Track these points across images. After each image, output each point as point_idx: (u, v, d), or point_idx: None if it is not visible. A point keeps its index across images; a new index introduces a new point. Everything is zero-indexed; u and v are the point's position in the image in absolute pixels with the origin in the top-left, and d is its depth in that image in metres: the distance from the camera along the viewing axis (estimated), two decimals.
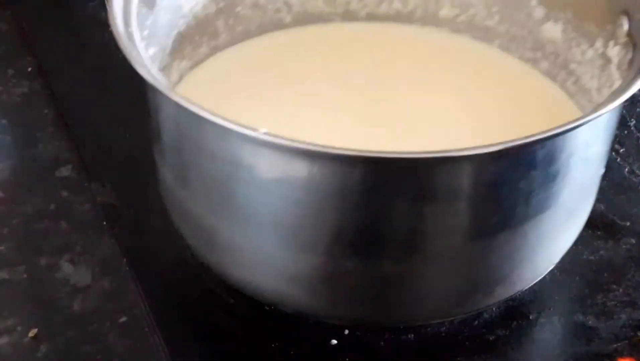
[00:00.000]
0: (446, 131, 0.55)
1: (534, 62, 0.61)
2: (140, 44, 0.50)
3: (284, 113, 0.56)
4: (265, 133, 0.44)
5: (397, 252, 0.48)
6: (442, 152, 0.43)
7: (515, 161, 0.46)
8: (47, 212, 0.62)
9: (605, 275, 0.58)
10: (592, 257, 0.59)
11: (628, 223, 0.61)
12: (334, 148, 0.43)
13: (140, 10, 0.53)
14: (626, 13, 0.54)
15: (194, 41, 0.60)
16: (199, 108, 0.45)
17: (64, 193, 0.63)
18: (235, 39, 0.63)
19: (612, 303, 0.56)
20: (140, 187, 0.62)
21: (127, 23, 0.51)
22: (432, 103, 0.58)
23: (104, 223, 0.61)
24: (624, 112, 0.67)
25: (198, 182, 0.50)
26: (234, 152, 0.46)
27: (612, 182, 0.64)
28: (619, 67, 0.54)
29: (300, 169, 0.45)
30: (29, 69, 0.73)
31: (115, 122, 0.67)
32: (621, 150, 0.66)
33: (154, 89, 0.47)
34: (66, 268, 0.58)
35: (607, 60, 0.55)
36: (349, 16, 0.64)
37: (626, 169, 0.65)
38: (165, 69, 0.58)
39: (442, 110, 0.57)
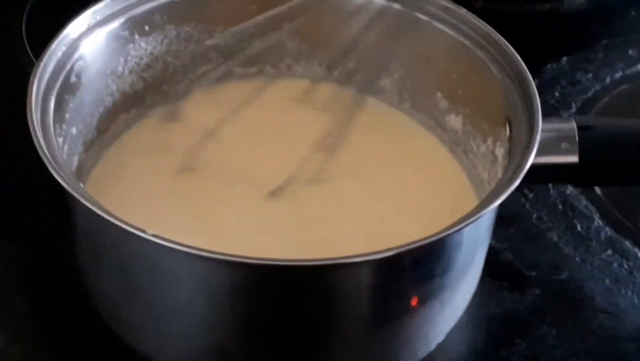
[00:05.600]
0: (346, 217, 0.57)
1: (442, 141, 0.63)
2: (57, 139, 0.53)
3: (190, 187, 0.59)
4: (152, 235, 0.46)
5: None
6: (323, 260, 0.47)
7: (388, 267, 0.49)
8: None
9: (510, 328, 0.60)
10: (498, 310, 0.61)
11: (534, 273, 0.63)
12: (220, 254, 0.46)
13: (62, 95, 0.55)
14: (508, 120, 0.56)
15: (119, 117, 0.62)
16: (97, 208, 0.48)
17: None
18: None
19: (515, 358, 0.58)
20: (56, 243, 0.61)
21: (44, 109, 0.53)
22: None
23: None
24: None
25: (104, 266, 0.53)
26: (128, 247, 0.49)
27: (520, 230, 0.66)
28: (502, 168, 0.56)
29: (185, 269, 0.48)
30: None
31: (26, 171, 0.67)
32: (530, 196, 0.68)
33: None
34: None
35: (495, 158, 0.57)
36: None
37: (534, 216, 0.67)
38: (90, 144, 0.60)
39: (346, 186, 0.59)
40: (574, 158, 0.55)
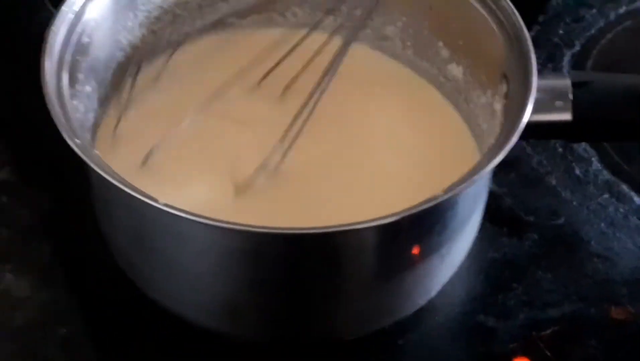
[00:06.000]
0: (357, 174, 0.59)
1: (441, 88, 0.65)
2: (71, 102, 0.55)
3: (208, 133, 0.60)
4: (164, 205, 0.49)
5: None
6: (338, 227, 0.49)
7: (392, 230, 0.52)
8: None
9: (507, 273, 0.63)
10: (496, 255, 0.64)
11: (532, 218, 0.66)
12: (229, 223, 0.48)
13: (75, 57, 0.57)
14: (505, 76, 0.57)
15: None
16: (112, 177, 0.50)
17: (3, 199, 0.67)
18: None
19: (512, 302, 0.61)
20: (80, 192, 0.63)
21: (59, 77, 0.54)
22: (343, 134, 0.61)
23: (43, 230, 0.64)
24: None
25: (126, 232, 0.56)
26: (143, 214, 0.51)
27: (519, 174, 0.68)
28: (500, 123, 0.57)
29: (197, 235, 0.51)
30: None
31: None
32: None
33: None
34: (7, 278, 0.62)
35: (494, 111, 0.59)
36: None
37: (534, 160, 0.69)
38: (104, 99, 0.62)
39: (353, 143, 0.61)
40: (567, 116, 0.56)
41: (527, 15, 0.60)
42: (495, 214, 0.65)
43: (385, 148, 0.61)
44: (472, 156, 0.60)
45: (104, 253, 0.61)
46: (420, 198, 0.51)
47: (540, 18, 0.78)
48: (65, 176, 0.66)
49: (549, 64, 0.75)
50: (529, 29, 0.60)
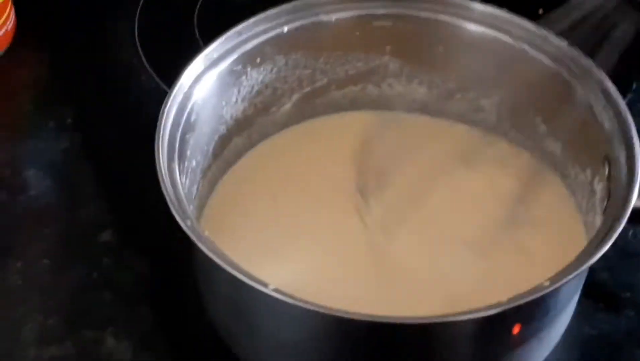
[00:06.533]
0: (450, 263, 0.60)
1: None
2: (180, 179, 0.56)
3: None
4: (274, 290, 0.50)
5: None
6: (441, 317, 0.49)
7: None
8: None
9: (605, 351, 0.63)
10: (592, 332, 0.63)
11: (629, 294, 0.65)
12: (332, 310, 0.49)
13: (184, 136, 0.59)
14: (607, 159, 0.57)
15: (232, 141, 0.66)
16: (222, 261, 0.51)
17: (105, 260, 0.68)
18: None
19: None
20: (181, 257, 0.64)
21: (170, 157, 0.57)
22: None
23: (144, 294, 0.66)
24: None
25: (228, 306, 0.57)
26: (251, 295, 0.53)
27: (615, 247, 0.67)
28: (600, 203, 0.58)
29: (302, 319, 0.52)
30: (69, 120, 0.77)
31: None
32: None
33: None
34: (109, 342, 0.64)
35: (594, 191, 0.59)
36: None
37: (630, 232, 0.69)
38: (207, 170, 0.64)
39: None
40: None
41: (620, 82, 0.60)
42: (591, 289, 0.65)
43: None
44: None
45: (203, 319, 0.62)
46: (523, 279, 0.52)
47: (634, 85, 0.78)
48: (166, 241, 0.67)
49: None
50: (623, 96, 0.60)
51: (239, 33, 0.63)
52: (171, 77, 0.61)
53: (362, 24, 0.66)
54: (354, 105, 0.69)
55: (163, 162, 0.55)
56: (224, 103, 0.64)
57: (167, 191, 0.54)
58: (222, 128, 0.65)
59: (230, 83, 0.63)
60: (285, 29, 0.64)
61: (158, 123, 0.57)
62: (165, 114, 0.57)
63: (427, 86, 0.68)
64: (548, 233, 0.61)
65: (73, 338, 0.64)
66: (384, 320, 0.50)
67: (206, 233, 0.54)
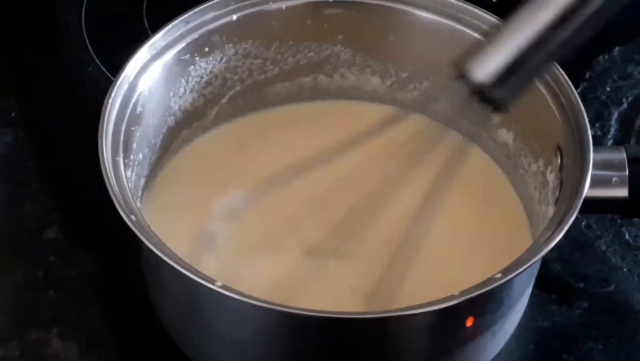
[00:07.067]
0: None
1: (493, 156, 0.64)
2: (125, 173, 0.55)
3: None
4: (221, 287, 0.49)
5: None
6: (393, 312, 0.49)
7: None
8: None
9: (558, 343, 0.62)
10: (545, 324, 0.63)
11: (582, 285, 0.65)
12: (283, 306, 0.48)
13: (129, 128, 0.57)
14: (559, 149, 0.57)
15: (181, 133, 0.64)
16: (168, 258, 0.50)
17: (51, 258, 0.67)
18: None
19: None
20: (128, 254, 0.62)
21: (115, 150, 0.55)
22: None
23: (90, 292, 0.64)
24: None
25: (177, 303, 0.56)
26: (198, 292, 0.52)
27: (568, 238, 0.66)
28: (552, 193, 0.57)
29: (251, 315, 0.51)
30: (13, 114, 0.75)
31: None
32: None
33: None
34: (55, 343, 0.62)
35: (546, 181, 0.58)
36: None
37: (583, 223, 0.68)
38: (155, 163, 0.62)
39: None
40: (623, 193, 0.56)
41: (573, 71, 0.60)
42: (545, 280, 0.64)
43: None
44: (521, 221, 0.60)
45: (149, 318, 0.61)
46: (473, 272, 0.51)
47: (587, 74, 0.78)
48: (113, 237, 0.64)
49: (597, 122, 0.74)
50: (576, 86, 0.59)
51: (186, 21, 0.61)
52: (119, 68, 0.59)
53: (313, 12, 0.65)
54: (307, 95, 0.68)
55: (107, 156, 0.54)
56: (171, 94, 0.62)
57: (111, 186, 0.53)
58: (171, 120, 0.63)
59: (178, 73, 0.62)
60: (235, 17, 0.63)
61: (101, 116, 0.55)
62: (109, 106, 0.56)
63: (380, 76, 0.67)
64: (493, 225, 0.61)
65: (18, 338, 0.62)
66: (335, 316, 0.49)
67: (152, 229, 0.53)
